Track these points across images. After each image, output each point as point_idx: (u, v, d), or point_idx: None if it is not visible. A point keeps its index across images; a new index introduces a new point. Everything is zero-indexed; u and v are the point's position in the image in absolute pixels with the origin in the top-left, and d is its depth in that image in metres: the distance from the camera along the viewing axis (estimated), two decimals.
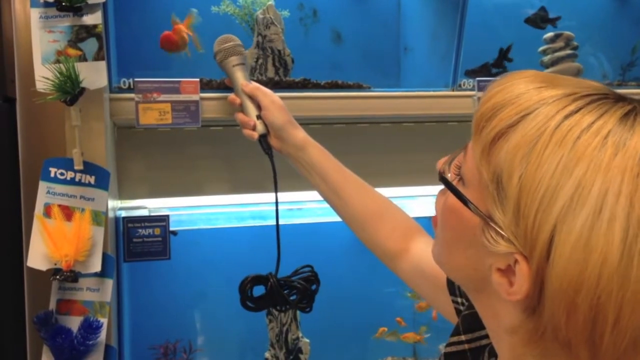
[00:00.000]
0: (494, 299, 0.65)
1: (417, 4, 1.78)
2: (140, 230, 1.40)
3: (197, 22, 1.49)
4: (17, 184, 1.27)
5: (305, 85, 1.49)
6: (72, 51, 1.17)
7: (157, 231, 1.41)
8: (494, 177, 0.60)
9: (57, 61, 1.16)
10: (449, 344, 0.84)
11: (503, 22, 1.81)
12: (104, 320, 1.20)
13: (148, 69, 1.45)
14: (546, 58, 1.77)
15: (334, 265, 1.70)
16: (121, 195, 1.49)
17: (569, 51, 1.75)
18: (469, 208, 0.64)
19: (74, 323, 1.19)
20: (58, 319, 1.20)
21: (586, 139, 0.56)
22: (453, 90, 1.57)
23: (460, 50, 1.55)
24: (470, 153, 0.65)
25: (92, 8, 1.19)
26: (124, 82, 1.36)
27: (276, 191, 1.31)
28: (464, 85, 1.57)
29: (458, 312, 0.96)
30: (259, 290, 1.29)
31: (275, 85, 1.46)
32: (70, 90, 1.14)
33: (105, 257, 1.21)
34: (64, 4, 1.16)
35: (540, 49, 1.79)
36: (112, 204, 1.36)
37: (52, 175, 1.19)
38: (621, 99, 0.61)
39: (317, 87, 1.50)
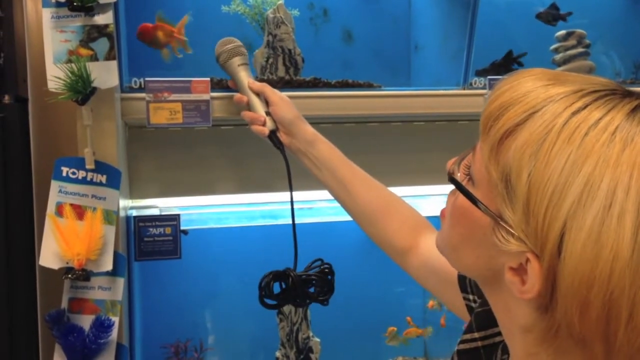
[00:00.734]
0: (507, 296, 0.65)
1: (428, 2, 1.77)
2: (151, 230, 1.40)
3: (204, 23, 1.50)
4: (30, 183, 1.28)
5: (315, 84, 1.49)
6: (83, 51, 1.18)
7: (168, 230, 1.41)
8: (503, 176, 0.60)
9: (69, 61, 1.16)
10: (462, 341, 0.84)
11: (514, 20, 1.80)
12: (115, 319, 1.20)
13: (159, 68, 1.45)
14: (558, 56, 1.76)
15: (345, 264, 1.70)
16: (132, 195, 1.50)
17: (581, 49, 1.74)
18: (479, 208, 0.64)
19: (85, 322, 1.20)
20: (70, 318, 1.20)
21: (594, 135, 0.56)
22: (464, 89, 1.56)
23: (471, 48, 1.54)
24: (479, 153, 0.65)
25: (103, 8, 1.19)
26: (135, 81, 1.36)
27: (290, 184, 1.30)
28: (475, 83, 1.56)
29: (469, 308, 0.96)
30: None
31: (285, 84, 1.46)
32: (82, 89, 1.14)
33: (116, 256, 1.21)
34: (75, 3, 1.16)
35: (552, 47, 1.78)
36: (124, 203, 1.36)
37: (64, 174, 1.20)
38: (629, 94, 0.61)
39: (328, 86, 1.50)
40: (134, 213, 1.44)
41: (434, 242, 1.11)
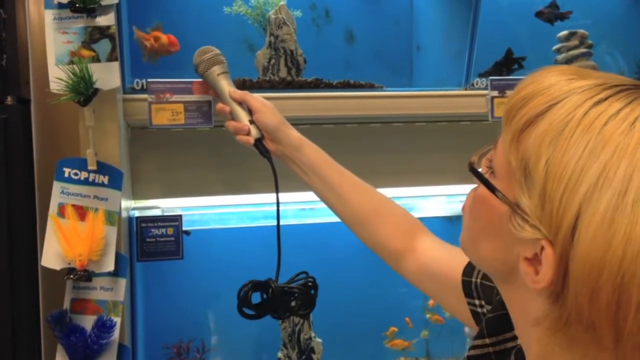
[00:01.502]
0: (522, 290, 0.65)
1: (430, 2, 1.77)
2: (153, 230, 1.41)
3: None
4: (32, 184, 1.28)
5: (317, 85, 1.49)
6: (85, 52, 1.18)
7: (170, 231, 1.42)
8: (522, 164, 0.61)
9: (71, 62, 1.17)
10: (473, 347, 0.84)
11: (516, 21, 1.80)
12: (117, 320, 1.21)
13: (161, 69, 1.46)
14: (560, 56, 1.76)
15: (347, 264, 1.70)
16: (135, 195, 1.50)
17: (583, 49, 1.73)
18: (497, 196, 0.65)
19: (87, 322, 1.20)
20: (72, 318, 1.21)
21: (613, 125, 0.57)
22: (466, 90, 1.56)
23: (473, 49, 1.54)
24: (501, 145, 0.66)
25: (105, 9, 1.20)
26: (137, 82, 1.37)
27: (277, 192, 1.29)
28: (476, 84, 1.56)
29: (474, 313, 0.96)
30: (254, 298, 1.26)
31: (287, 85, 1.46)
32: (84, 91, 1.15)
33: (118, 256, 1.22)
34: (77, 5, 1.17)
35: (555, 47, 1.77)
36: (126, 203, 1.37)
37: (66, 175, 1.20)
38: None
39: (329, 86, 1.50)
40: (137, 214, 1.44)
41: (432, 245, 1.12)
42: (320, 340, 1.60)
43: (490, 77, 1.54)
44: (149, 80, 1.32)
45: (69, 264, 1.17)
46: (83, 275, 1.16)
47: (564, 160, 0.58)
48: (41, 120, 1.31)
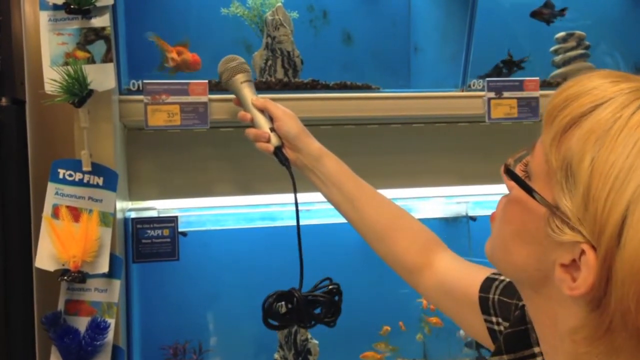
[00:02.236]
0: (554, 299, 0.64)
1: (427, 4, 1.77)
2: (149, 231, 1.41)
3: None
4: (27, 185, 1.28)
5: (314, 86, 1.49)
6: (80, 53, 1.18)
7: (166, 232, 1.42)
8: (563, 164, 0.60)
9: (66, 63, 1.17)
10: None
11: (513, 22, 1.80)
12: (111, 321, 1.20)
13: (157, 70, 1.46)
14: (558, 58, 1.75)
15: (344, 266, 1.69)
16: (131, 197, 1.50)
17: (580, 51, 1.73)
18: (534, 198, 0.63)
19: (82, 323, 1.20)
20: (66, 320, 1.21)
21: None
22: (463, 91, 1.56)
23: (470, 50, 1.53)
24: (539, 147, 0.65)
25: (100, 10, 1.19)
26: (134, 83, 1.37)
27: (296, 201, 1.28)
28: (473, 85, 1.56)
29: (491, 331, 0.94)
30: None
31: (284, 86, 1.46)
32: (78, 92, 1.14)
33: (112, 257, 1.21)
34: (72, 6, 1.17)
35: (552, 48, 1.77)
36: (122, 205, 1.36)
37: (61, 176, 1.20)
38: None
39: (326, 88, 1.50)
40: (132, 215, 1.44)
41: (451, 261, 1.09)
42: (316, 341, 1.60)
43: (487, 79, 1.53)
44: (145, 81, 1.32)
45: (63, 265, 1.17)
46: (77, 277, 1.16)
47: (610, 159, 0.57)
48: (36, 121, 1.30)
